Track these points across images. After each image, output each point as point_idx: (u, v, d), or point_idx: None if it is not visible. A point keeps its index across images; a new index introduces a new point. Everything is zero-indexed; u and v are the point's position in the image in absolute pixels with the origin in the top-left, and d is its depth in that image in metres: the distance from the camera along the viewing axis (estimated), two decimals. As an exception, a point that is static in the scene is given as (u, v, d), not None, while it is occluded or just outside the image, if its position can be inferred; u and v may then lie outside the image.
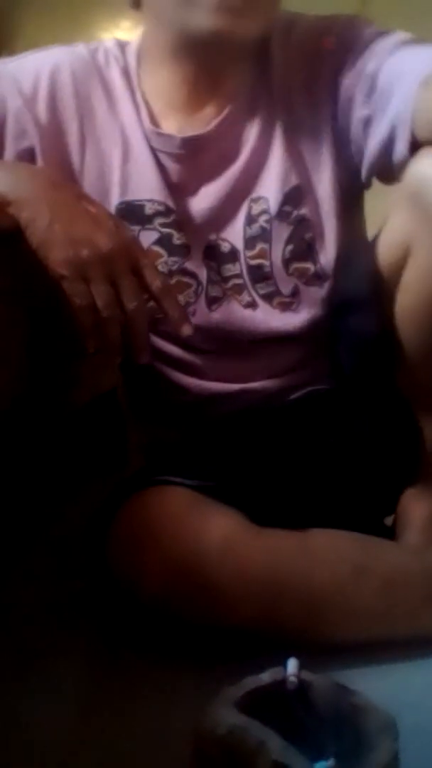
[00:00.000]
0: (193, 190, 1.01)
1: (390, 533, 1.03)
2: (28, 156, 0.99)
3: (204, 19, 0.90)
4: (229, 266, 1.01)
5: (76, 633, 0.93)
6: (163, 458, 1.00)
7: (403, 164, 0.91)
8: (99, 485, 1.03)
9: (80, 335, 0.85)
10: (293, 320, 1.02)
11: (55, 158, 0.99)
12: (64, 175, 0.99)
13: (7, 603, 0.96)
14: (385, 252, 0.94)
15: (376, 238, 0.97)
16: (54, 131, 0.99)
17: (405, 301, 0.93)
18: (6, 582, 0.99)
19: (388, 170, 0.95)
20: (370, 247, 0.97)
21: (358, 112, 0.96)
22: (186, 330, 0.89)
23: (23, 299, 0.88)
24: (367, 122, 0.96)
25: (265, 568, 0.87)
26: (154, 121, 1.00)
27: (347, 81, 0.97)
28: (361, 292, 0.98)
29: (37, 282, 0.85)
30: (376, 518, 1.06)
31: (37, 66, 1.00)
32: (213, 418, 1.05)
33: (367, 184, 1.03)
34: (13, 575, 1.00)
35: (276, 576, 0.87)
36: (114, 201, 1.00)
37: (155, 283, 0.87)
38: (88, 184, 1.00)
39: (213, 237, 1.01)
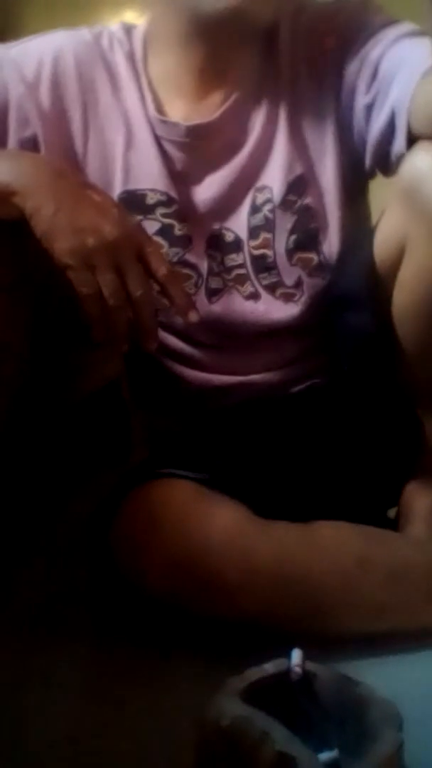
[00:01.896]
0: (198, 179, 1.00)
1: (393, 526, 1.03)
2: (31, 144, 0.98)
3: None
4: (233, 256, 1.01)
5: (79, 624, 0.93)
6: (166, 450, 1.00)
7: (401, 156, 0.90)
8: (103, 476, 1.03)
9: (88, 324, 0.84)
10: (294, 311, 1.02)
11: (58, 146, 0.99)
12: (68, 163, 0.98)
13: (10, 595, 0.96)
14: (381, 249, 0.94)
15: (372, 233, 0.96)
16: (57, 118, 0.98)
17: (402, 298, 0.93)
18: (9, 574, 0.98)
19: (387, 161, 0.94)
20: (368, 241, 0.96)
21: (361, 100, 0.95)
22: (192, 317, 0.89)
23: (28, 289, 0.88)
24: (368, 110, 0.95)
25: (270, 560, 0.87)
26: (159, 108, 0.99)
27: (351, 68, 0.96)
28: (358, 288, 0.98)
29: (42, 272, 0.84)
30: (378, 510, 1.06)
31: (39, 51, 0.99)
32: (214, 409, 1.05)
33: (372, 174, 1.02)
34: (17, 567, 1.00)
35: (280, 568, 0.87)
36: (116, 190, 0.99)
37: (161, 270, 0.86)
38: (92, 171, 0.99)
39: (217, 226, 1.00)
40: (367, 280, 0.96)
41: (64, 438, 1.09)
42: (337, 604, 0.88)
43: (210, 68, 0.97)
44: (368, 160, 0.98)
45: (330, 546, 0.91)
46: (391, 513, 1.06)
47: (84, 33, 1.02)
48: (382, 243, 0.94)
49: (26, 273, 0.87)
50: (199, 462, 0.96)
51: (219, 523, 0.88)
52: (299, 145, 0.99)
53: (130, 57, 1.00)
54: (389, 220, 0.93)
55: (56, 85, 0.98)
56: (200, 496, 0.91)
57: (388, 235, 0.93)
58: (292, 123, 0.99)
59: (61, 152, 0.99)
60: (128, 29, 1.02)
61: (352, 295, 0.99)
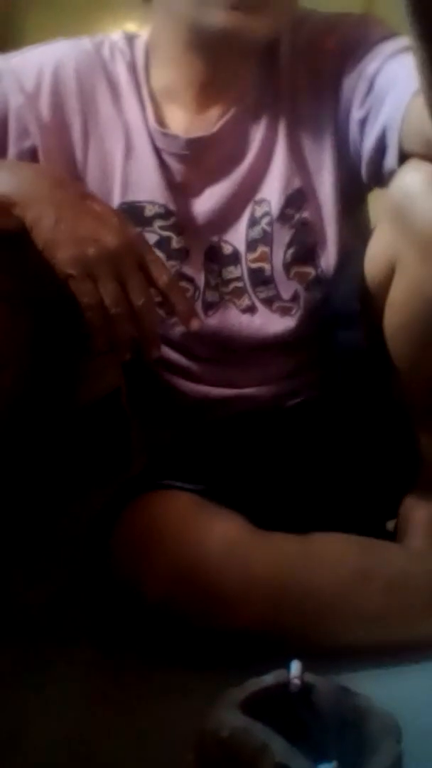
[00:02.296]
0: (197, 192, 1.00)
1: (392, 538, 1.03)
2: (30, 155, 0.99)
3: (217, 16, 0.89)
4: (231, 269, 1.01)
5: (78, 635, 0.93)
6: (164, 462, 1.00)
7: (392, 172, 0.90)
8: (102, 486, 1.02)
9: (90, 334, 0.85)
10: (290, 325, 1.02)
11: (58, 157, 0.99)
12: (68, 174, 0.98)
13: (10, 605, 0.96)
14: (371, 266, 0.94)
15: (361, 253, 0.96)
16: (56, 129, 0.98)
17: (393, 317, 0.92)
18: (9, 583, 0.98)
19: (379, 177, 0.94)
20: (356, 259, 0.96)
21: (356, 114, 0.95)
22: (195, 324, 0.89)
23: (29, 300, 0.88)
24: (362, 124, 0.95)
25: (268, 572, 0.87)
26: (159, 119, 1.00)
27: (349, 82, 0.96)
28: (349, 305, 0.97)
29: (44, 283, 0.85)
30: (377, 523, 1.06)
31: (39, 62, 0.99)
32: (211, 421, 1.05)
33: (370, 187, 1.02)
34: (16, 576, 1.00)
35: (279, 580, 0.87)
36: (115, 201, 0.99)
37: (162, 279, 0.86)
38: (91, 182, 0.99)
39: (215, 239, 1.01)
40: (358, 297, 0.95)
41: (63, 447, 1.08)
42: (336, 616, 0.88)
43: (211, 82, 0.98)
44: (364, 174, 0.98)
45: (328, 557, 0.91)
46: (390, 526, 1.06)
47: (85, 42, 1.02)
48: (372, 260, 0.94)
49: (26, 283, 0.87)
50: (197, 473, 0.96)
51: (217, 534, 0.88)
52: (298, 159, 0.99)
53: (132, 67, 1.00)
54: (379, 238, 0.93)
55: (56, 96, 0.98)
56: (198, 507, 0.91)
57: (378, 253, 0.92)
58: (291, 136, 0.99)
59: (61, 163, 0.99)
60: (130, 39, 1.02)
61: (343, 311, 0.99)
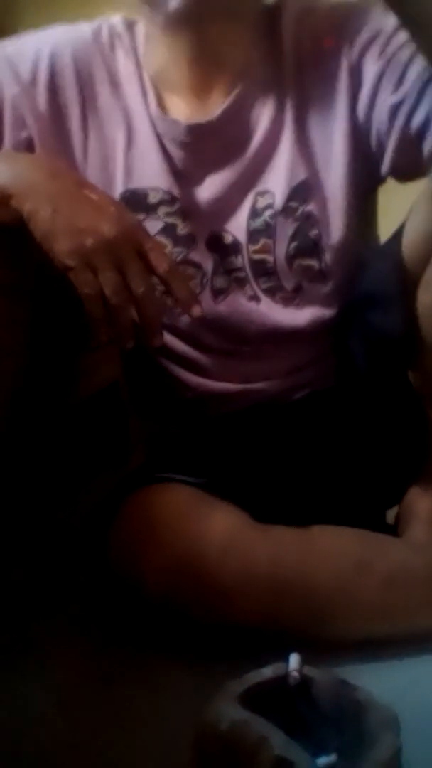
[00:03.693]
0: (199, 179, 0.99)
1: (391, 528, 1.03)
2: (26, 146, 0.97)
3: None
4: (232, 258, 1.00)
5: (77, 624, 0.93)
6: (164, 455, 1.00)
7: None
8: (101, 479, 1.02)
9: (91, 325, 0.84)
10: (297, 316, 1.01)
11: (55, 147, 0.97)
12: (66, 164, 0.97)
13: (8, 598, 0.95)
14: (408, 249, 0.93)
15: (398, 234, 0.95)
16: (54, 118, 0.97)
17: (426, 298, 0.92)
18: (7, 577, 0.98)
19: (415, 163, 0.92)
20: (392, 242, 0.95)
21: (386, 100, 0.92)
22: (196, 311, 0.88)
23: (27, 293, 0.87)
24: (394, 110, 0.92)
25: (269, 565, 0.87)
26: (160, 104, 0.98)
27: (373, 69, 0.93)
28: (381, 289, 0.97)
29: (42, 274, 0.84)
30: (377, 512, 1.06)
31: (36, 49, 0.97)
32: (213, 416, 1.04)
33: (383, 179, 1.00)
34: (15, 570, 1.00)
35: (279, 573, 0.87)
36: (118, 189, 0.98)
37: (162, 266, 0.85)
38: (92, 171, 0.98)
39: (216, 227, 0.99)
40: (392, 281, 0.94)
41: (62, 440, 1.08)
42: (336, 609, 0.87)
43: (199, 61, 0.95)
44: (388, 163, 0.95)
45: (328, 550, 0.91)
46: (390, 520, 1.05)
47: (83, 28, 1.00)
48: (409, 243, 0.93)
49: (25, 275, 0.87)
50: (197, 467, 0.96)
51: (217, 528, 0.88)
52: (305, 150, 0.97)
53: (132, 52, 0.98)
54: (416, 221, 0.92)
55: (53, 84, 0.97)
56: (198, 501, 0.91)
57: (415, 236, 0.92)
58: (298, 127, 0.97)
59: (58, 153, 0.97)
60: (130, 24, 1.00)
61: (373, 297, 0.98)
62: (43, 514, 1.06)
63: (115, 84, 0.98)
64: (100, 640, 0.91)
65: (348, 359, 1.03)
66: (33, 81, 0.97)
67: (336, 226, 0.99)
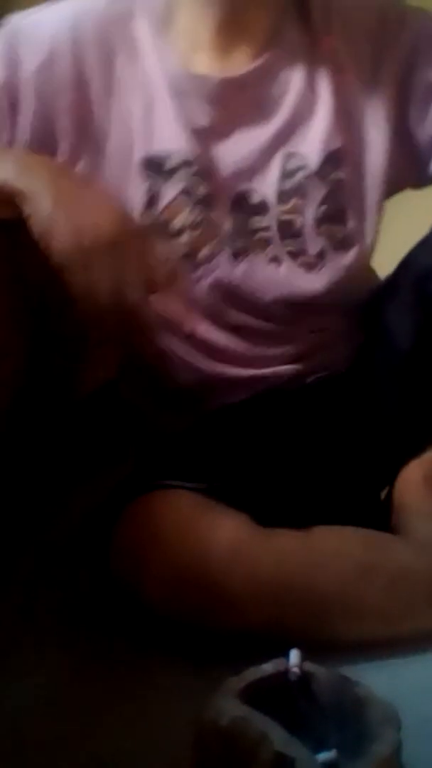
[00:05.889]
0: (225, 136, 0.98)
1: (383, 505, 1.03)
2: (45, 121, 0.96)
3: None
4: (257, 218, 0.99)
5: (77, 622, 0.93)
6: (166, 460, 0.99)
7: None
8: (101, 478, 1.02)
9: (86, 325, 0.84)
10: (316, 283, 1.00)
11: (76, 120, 0.96)
12: (88, 135, 0.97)
13: (7, 601, 0.95)
14: None
15: None
16: (74, 90, 0.96)
17: None
18: (6, 579, 0.98)
19: None
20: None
21: None
22: (187, 326, 0.87)
23: (27, 289, 0.87)
24: None
25: (271, 569, 0.87)
26: (185, 63, 0.97)
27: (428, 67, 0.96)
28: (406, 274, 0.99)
29: (41, 271, 0.84)
30: (371, 491, 1.06)
31: (55, 20, 0.97)
32: (215, 411, 1.04)
33: (409, 185, 1.03)
34: (13, 572, 1.00)
35: (283, 578, 0.87)
36: (138, 153, 0.97)
37: (161, 268, 0.85)
38: (115, 138, 0.97)
39: (242, 187, 0.99)
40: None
41: (62, 438, 1.08)
42: (339, 612, 0.87)
43: (228, 22, 0.95)
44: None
45: (331, 554, 0.90)
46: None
47: None
48: None
49: (24, 271, 0.87)
50: (199, 470, 0.95)
51: (220, 534, 0.87)
52: (342, 119, 0.98)
53: (152, 14, 0.98)
54: None
55: (74, 56, 0.95)
56: (200, 507, 0.90)
57: None
58: (336, 95, 0.98)
59: (81, 124, 0.96)
60: None
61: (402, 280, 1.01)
62: (45, 510, 1.06)
63: (134, 47, 0.97)
64: (98, 635, 0.91)
65: (382, 337, 1.03)
66: (53, 53, 0.95)
67: (369, 198, 1.01)
